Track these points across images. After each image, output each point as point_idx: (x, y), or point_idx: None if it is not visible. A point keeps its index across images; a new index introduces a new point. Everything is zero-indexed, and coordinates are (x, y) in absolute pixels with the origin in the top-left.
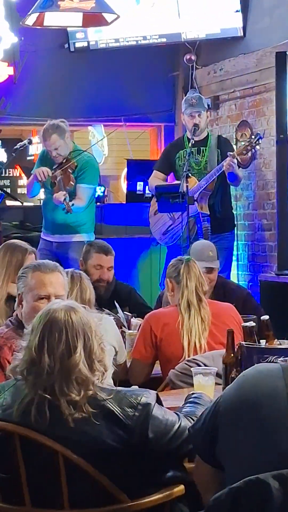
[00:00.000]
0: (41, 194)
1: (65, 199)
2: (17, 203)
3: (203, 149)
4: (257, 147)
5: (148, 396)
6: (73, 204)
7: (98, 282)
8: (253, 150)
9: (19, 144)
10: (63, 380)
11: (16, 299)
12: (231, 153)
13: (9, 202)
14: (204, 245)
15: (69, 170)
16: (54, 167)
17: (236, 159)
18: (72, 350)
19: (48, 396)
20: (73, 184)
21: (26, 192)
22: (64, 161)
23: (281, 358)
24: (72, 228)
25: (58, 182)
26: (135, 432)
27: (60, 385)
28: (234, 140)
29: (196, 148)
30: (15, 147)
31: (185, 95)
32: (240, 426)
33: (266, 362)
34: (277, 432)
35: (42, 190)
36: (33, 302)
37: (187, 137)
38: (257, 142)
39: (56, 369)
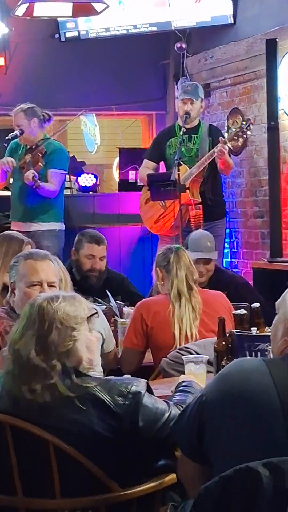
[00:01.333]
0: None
1: (33, 176)
2: (9, 193)
3: (194, 136)
4: (249, 132)
5: (138, 384)
6: (41, 181)
7: (90, 271)
8: (244, 136)
9: (10, 134)
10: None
11: (10, 289)
12: (223, 138)
13: (0, 192)
14: (202, 235)
15: (38, 154)
16: (23, 152)
17: (228, 146)
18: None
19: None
20: (41, 165)
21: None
22: (34, 147)
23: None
24: (41, 215)
25: (27, 164)
26: (125, 421)
27: (27, 374)
28: (226, 127)
29: (187, 136)
30: (6, 137)
31: (176, 83)
32: (230, 424)
33: (257, 350)
34: (271, 426)
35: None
36: (26, 289)
37: (178, 125)
38: (248, 128)
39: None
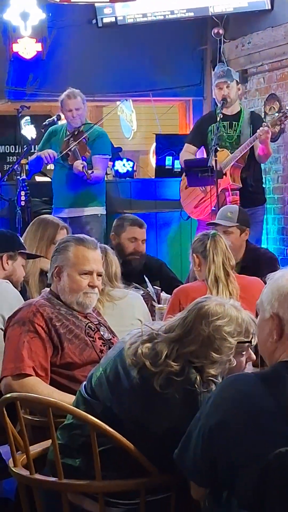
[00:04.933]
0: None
1: (83, 167)
2: (47, 179)
3: (235, 123)
4: None
5: None
6: (92, 172)
7: (132, 255)
8: (287, 121)
9: (47, 120)
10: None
11: (52, 271)
12: (265, 123)
13: (38, 178)
14: (228, 206)
15: (83, 141)
16: (65, 139)
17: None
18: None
19: None
20: (89, 154)
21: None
22: (76, 133)
23: None
24: (87, 200)
25: (74, 152)
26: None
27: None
28: (263, 113)
29: (228, 122)
30: (44, 123)
31: (214, 69)
32: (243, 447)
33: None
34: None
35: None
36: (78, 277)
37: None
38: None
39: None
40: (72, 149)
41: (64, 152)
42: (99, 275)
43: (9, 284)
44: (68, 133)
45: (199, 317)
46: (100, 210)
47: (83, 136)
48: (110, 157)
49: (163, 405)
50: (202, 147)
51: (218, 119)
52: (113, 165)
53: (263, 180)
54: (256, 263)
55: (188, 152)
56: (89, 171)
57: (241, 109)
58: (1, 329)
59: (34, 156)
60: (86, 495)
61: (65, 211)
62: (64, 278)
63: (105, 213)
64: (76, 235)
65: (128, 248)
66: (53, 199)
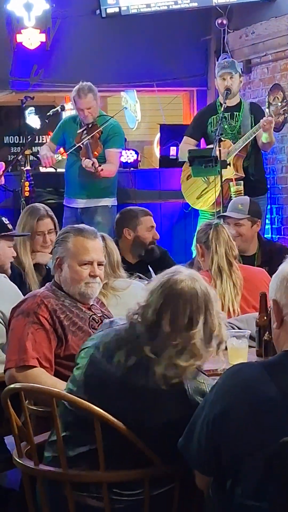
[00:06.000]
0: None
1: (93, 164)
2: (51, 170)
3: (236, 113)
4: None
5: None
6: (102, 170)
7: (152, 243)
8: None
9: (52, 110)
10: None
11: (53, 263)
12: (268, 113)
13: (42, 169)
14: (239, 198)
15: (96, 135)
16: (79, 130)
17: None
18: (193, 324)
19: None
20: (101, 149)
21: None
22: (90, 126)
23: None
24: (100, 191)
25: (86, 147)
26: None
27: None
28: (267, 103)
29: (229, 113)
30: (48, 113)
31: (218, 59)
32: (246, 437)
33: None
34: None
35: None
36: (78, 267)
37: (220, 102)
38: None
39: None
40: (85, 143)
41: (77, 145)
42: (100, 264)
43: (7, 279)
44: (83, 124)
45: (177, 303)
46: (111, 201)
47: (97, 131)
48: (123, 148)
49: (153, 402)
50: (202, 139)
51: (222, 109)
52: None
53: (266, 170)
54: (275, 256)
55: (188, 144)
56: (99, 168)
57: (240, 100)
58: (0, 323)
59: (42, 149)
60: (89, 492)
61: (77, 201)
62: (65, 269)
63: (116, 204)
64: (75, 225)
65: (148, 238)
66: (65, 189)
